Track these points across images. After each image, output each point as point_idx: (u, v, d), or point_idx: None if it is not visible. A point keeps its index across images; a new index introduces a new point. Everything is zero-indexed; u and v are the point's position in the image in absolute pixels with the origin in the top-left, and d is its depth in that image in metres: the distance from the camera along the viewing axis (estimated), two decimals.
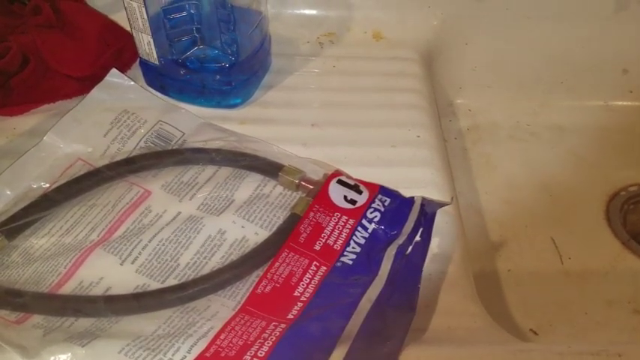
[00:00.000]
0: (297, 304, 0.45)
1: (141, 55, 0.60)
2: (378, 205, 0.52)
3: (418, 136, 0.61)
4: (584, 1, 0.72)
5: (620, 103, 0.81)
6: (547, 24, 0.74)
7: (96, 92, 0.60)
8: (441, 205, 0.51)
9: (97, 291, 0.47)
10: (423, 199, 0.52)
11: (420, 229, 0.50)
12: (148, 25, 0.56)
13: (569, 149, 0.77)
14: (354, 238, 0.50)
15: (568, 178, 0.74)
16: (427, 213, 0.50)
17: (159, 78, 0.61)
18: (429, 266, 0.49)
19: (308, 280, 0.47)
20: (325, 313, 0.45)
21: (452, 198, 0.54)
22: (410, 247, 0.49)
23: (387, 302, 0.45)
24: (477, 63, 0.78)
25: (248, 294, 0.46)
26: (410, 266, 0.48)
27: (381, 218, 0.51)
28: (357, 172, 0.55)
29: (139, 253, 0.49)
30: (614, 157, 0.76)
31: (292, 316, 0.45)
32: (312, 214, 0.51)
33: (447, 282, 0.50)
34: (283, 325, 0.44)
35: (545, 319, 0.61)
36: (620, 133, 0.78)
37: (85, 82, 0.61)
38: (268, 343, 0.43)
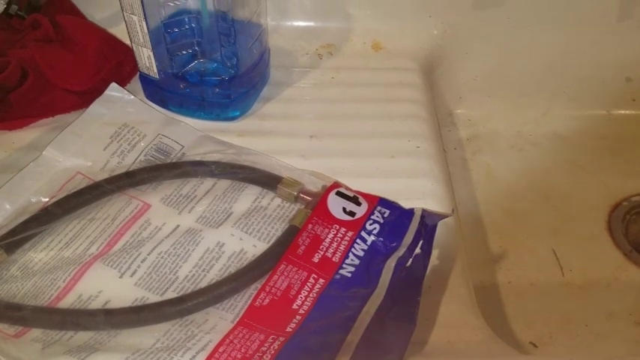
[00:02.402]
0: (295, 317, 0.45)
1: (141, 69, 0.60)
2: (378, 216, 0.52)
3: (418, 147, 0.60)
4: (586, 9, 0.72)
5: (622, 112, 0.81)
6: (548, 32, 0.74)
7: (95, 106, 0.60)
8: (442, 217, 0.51)
9: (96, 304, 0.47)
10: (423, 210, 0.52)
11: (421, 241, 0.49)
12: (148, 38, 0.56)
13: (570, 159, 0.76)
14: (352, 250, 0.50)
15: (569, 188, 0.73)
16: (428, 225, 0.50)
17: (158, 92, 0.61)
18: (429, 278, 0.48)
19: (306, 292, 0.47)
20: (324, 326, 0.45)
21: (452, 210, 0.54)
22: (410, 259, 0.49)
23: (387, 315, 0.45)
24: (477, 72, 0.78)
25: (246, 307, 0.46)
26: (410, 278, 0.47)
27: (380, 230, 0.51)
28: (356, 183, 0.55)
29: (138, 266, 0.49)
30: (617, 167, 0.76)
31: (291, 329, 0.44)
32: (310, 226, 0.51)
33: (447, 294, 0.50)
34: (282, 339, 0.44)
35: (546, 331, 0.61)
36: (622, 143, 0.78)
37: (85, 96, 0.61)
38: (267, 356, 0.43)
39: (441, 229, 0.50)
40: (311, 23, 0.72)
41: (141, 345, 0.44)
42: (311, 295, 0.47)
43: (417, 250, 0.49)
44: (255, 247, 0.51)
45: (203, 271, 0.49)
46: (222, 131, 0.60)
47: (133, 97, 0.61)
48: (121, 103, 0.61)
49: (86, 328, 0.45)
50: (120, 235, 0.52)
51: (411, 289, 0.46)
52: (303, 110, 0.64)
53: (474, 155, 0.76)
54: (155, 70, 0.59)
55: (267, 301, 0.46)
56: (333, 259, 0.49)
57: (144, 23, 0.55)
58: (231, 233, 0.52)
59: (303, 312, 0.46)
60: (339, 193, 0.53)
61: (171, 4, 0.58)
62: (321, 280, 0.47)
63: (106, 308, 0.47)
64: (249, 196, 0.55)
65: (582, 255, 0.67)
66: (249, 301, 0.46)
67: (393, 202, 0.53)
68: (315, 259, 0.49)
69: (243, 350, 0.43)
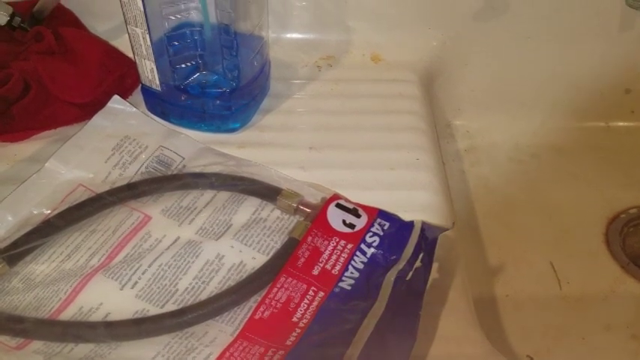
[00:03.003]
0: (295, 330, 0.45)
1: (143, 82, 0.61)
2: (377, 229, 0.52)
3: (417, 159, 0.61)
4: (586, 20, 0.72)
5: (621, 123, 0.81)
6: (548, 44, 0.75)
7: (98, 119, 0.60)
8: (442, 230, 0.51)
9: (97, 316, 0.48)
10: (423, 223, 0.52)
11: (421, 254, 0.49)
12: (151, 51, 0.57)
13: (568, 171, 0.77)
14: (352, 262, 0.50)
15: (567, 200, 0.73)
16: (428, 238, 0.50)
17: (160, 104, 0.62)
18: (428, 291, 0.48)
19: (306, 305, 0.47)
20: (324, 340, 0.45)
21: (453, 223, 0.54)
22: (410, 273, 0.48)
23: (387, 329, 0.45)
24: (476, 84, 0.78)
25: (246, 319, 0.46)
26: (410, 292, 0.47)
27: (380, 242, 0.51)
28: (355, 195, 0.55)
29: (139, 278, 0.50)
30: (615, 179, 0.76)
31: (291, 343, 0.45)
32: (310, 238, 0.51)
33: (447, 307, 0.50)
34: (282, 352, 0.44)
35: (543, 344, 0.61)
36: (620, 155, 0.78)
37: (87, 108, 0.61)
38: None
39: (441, 242, 0.51)
40: (310, 35, 0.73)
41: (141, 357, 0.44)
42: (311, 307, 0.47)
43: (418, 264, 0.49)
44: (254, 259, 0.51)
45: (203, 283, 0.50)
46: (223, 143, 0.61)
47: (134, 109, 0.62)
48: (122, 115, 0.61)
49: (87, 341, 0.46)
50: (121, 247, 0.52)
51: (411, 302, 0.46)
52: (303, 122, 0.64)
53: (472, 167, 0.77)
54: (157, 83, 0.59)
55: (267, 313, 0.46)
56: (333, 272, 0.49)
57: (147, 36, 0.56)
58: (231, 245, 0.52)
59: (303, 325, 0.46)
60: (338, 205, 0.53)
61: (174, 17, 0.59)
62: (321, 293, 0.48)
63: (107, 320, 0.47)
64: (248, 207, 0.55)
65: (580, 267, 0.67)
66: (249, 314, 0.47)
67: (393, 215, 0.53)
68: (315, 272, 0.49)
69: None
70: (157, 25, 0.56)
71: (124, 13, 0.55)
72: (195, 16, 0.59)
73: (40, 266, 0.51)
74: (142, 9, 0.54)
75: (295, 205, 0.54)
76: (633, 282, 0.66)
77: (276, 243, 0.52)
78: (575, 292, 0.65)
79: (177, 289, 0.49)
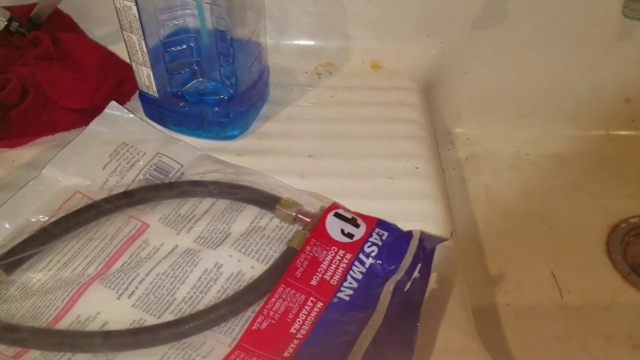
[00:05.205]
0: (293, 342, 0.45)
1: (140, 88, 0.60)
2: (376, 239, 0.51)
3: (416, 168, 0.60)
4: (586, 29, 0.72)
5: (621, 132, 0.81)
6: (548, 52, 0.74)
7: (95, 125, 0.60)
8: (440, 240, 0.51)
9: (94, 326, 0.47)
10: (422, 233, 0.51)
11: (419, 265, 0.49)
12: (147, 58, 0.57)
13: (569, 179, 0.76)
14: (351, 273, 0.49)
15: (568, 209, 0.73)
16: (426, 248, 0.50)
17: (158, 110, 0.61)
18: (427, 302, 0.48)
19: (304, 316, 0.46)
20: (322, 352, 0.44)
21: (451, 233, 0.54)
22: (408, 283, 0.48)
23: (385, 341, 0.45)
24: (476, 92, 0.78)
25: (244, 330, 0.46)
26: (408, 303, 0.47)
27: (378, 253, 0.51)
28: (354, 204, 0.55)
29: (136, 287, 0.49)
30: (615, 188, 0.75)
31: (288, 354, 0.44)
32: (308, 248, 0.50)
33: (445, 318, 0.49)
34: None
35: (544, 354, 0.61)
36: (621, 163, 0.78)
37: (84, 114, 0.61)
38: None
39: (440, 252, 0.50)
40: (310, 42, 0.73)
41: None
42: (309, 318, 0.46)
43: (416, 274, 0.49)
44: (253, 268, 0.51)
45: (201, 292, 0.49)
46: (222, 150, 0.60)
47: (132, 115, 0.62)
48: (120, 121, 0.61)
49: (84, 351, 0.45)
50: (118, 255, 0.52)
51: (409, 314, 0.46)
52: (302, 129, 0.64)
53: (472, 175, 0.76)
54: (154, 89, 0.59)
55: (264, 324, 0.46)
56: (332, 282, 0.49)
57: (143, 42, 0.55)
58: (229, 254, 0.51)
59: (301, 336, 0.45)
60: (337, 215, 0.53)
61: (170, 24, 0.59)
62: (320, 304, 0.47)
63: (104, 330, 0.47)
64: (247, 216, 0.55)
65: (581, 277, 0.67)
66: (247, 325, 0.46)
67: (392, 224, 0.53)
68: (314, 282, 0.48)
69: None
70: (152, 31, 0.56)
71: (119, 20, 0.55)
72: (191, 23, 0.59)
73: (37, 274, 0.51)
74: (136, 15, 0.53)
75: (294, 214, 0.53)
76: (634, 291, 0.65)
77: (274, 252, 0.52)
78: (576, 302, 0.65)
79: (174, 299, 0.49)
